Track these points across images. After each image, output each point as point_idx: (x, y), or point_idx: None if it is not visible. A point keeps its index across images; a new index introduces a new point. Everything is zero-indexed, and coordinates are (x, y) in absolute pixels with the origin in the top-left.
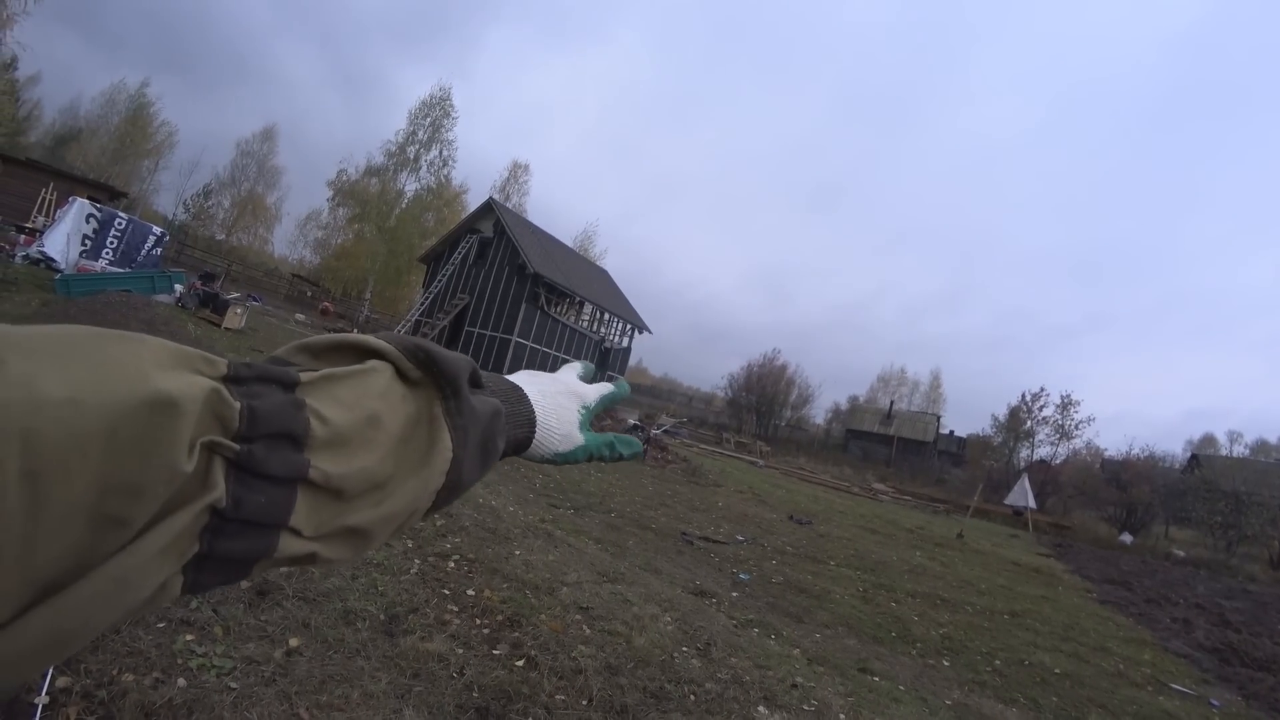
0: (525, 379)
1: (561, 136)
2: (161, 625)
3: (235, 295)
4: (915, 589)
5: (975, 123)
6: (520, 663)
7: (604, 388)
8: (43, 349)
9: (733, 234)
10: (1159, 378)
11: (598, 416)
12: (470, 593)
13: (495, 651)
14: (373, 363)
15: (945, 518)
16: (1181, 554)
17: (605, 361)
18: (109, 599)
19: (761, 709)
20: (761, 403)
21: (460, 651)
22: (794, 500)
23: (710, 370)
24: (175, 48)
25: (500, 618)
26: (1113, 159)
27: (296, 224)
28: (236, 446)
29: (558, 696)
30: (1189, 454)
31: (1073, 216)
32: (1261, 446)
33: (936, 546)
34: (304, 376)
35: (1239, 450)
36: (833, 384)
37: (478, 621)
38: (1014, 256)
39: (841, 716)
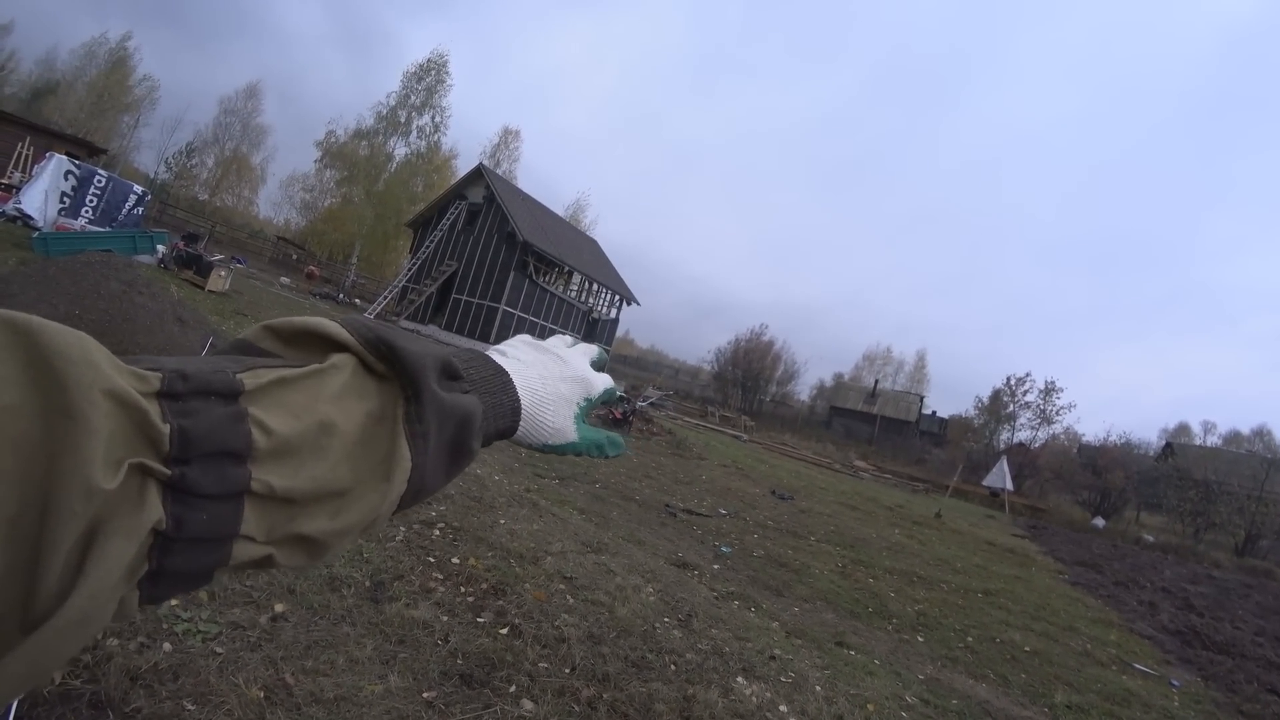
0: (526, 354)
1: (576, 101)
2: None
3: (219, 257)
4: (893, 566)
5: (1004, 109)
6: (504, 630)
7: (607, 379)
8: None
9: (743, 209)
10: (1150, 367)
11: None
12: (455, 561)
13: (480, 619)
14: (334, 359)
15: (924, 497)
16: (1151, 539)
17: (593, 332)
18: (74, 635)
19: (740, 680)
20: (747, 378)
21: (445, 619)
22: (776, 475)
23: (701, 344)
24: None
25: (485, 586)
26: (1141, 152)
27: (281, 184)
28: (168, 470)
29: (541, 665)
30: (1164, 442)
31: (1093, 207)
32: (1234, 437)
33: (915, 525)
34: (249, 383)
35: (1212, 440)
36: (819, 361)
37: (462, 589)
38: (1028, 245)
39: (818, 688)
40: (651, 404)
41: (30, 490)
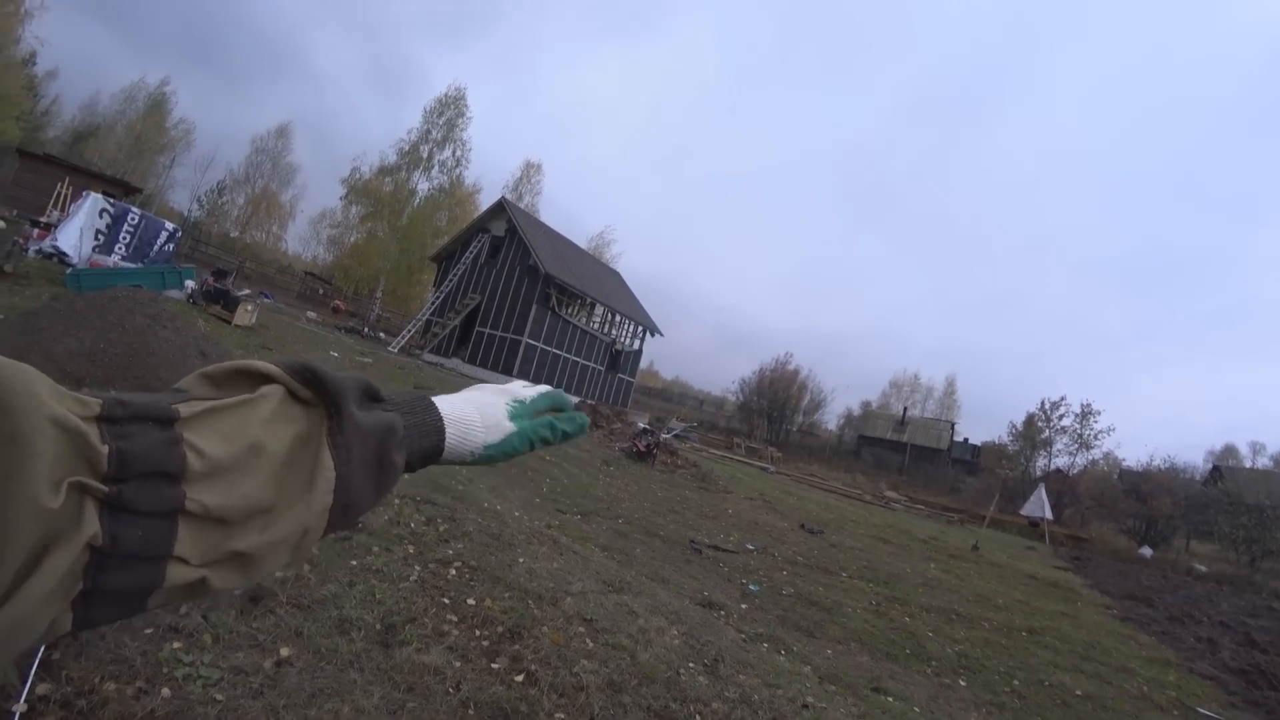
0: (453, 395)
1: (605, 134)
2: (149, 632)
3: (246, 292)
4: (930, 603)
5: (1041, 125)
6: (519, 678)
7: (543, 387)
8: None
9: (772, 238)
10: (1190, 389)
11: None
12: (470, 602)
13: (494, 665)
14: (264, 389)
15: (960, 528)
16: (1203, 569)
17: (615, 363)
18: (3, 643)
19: None
20: (773, 407)
21: (458, 665)
22: (805, 508)
23: (727, 375)
24: (203, 41)
25: (501, 629)
26: (1182, 169)
27: (310, 221)
28: (105, 488)
29: (557, 715)
30: (1210, 465)
31: (1132, 226)
32: None
33: (951, 558)
34: (184, 411)
35: (1262, 462)
36: (846, 390)
37: (477, 633)
38: (1062, 265)
39: None
40: (676, 436)
41: None
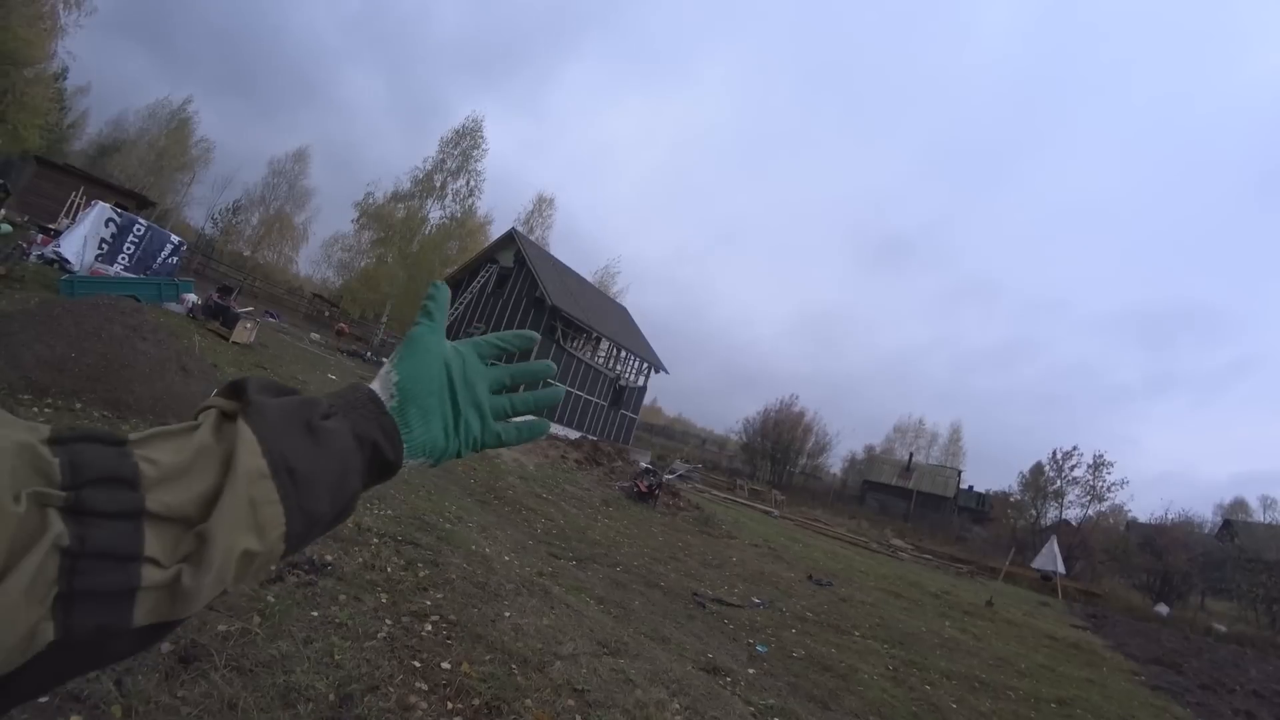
0: None
1: (626, 172)
2: (44, 701)
3: (247, 309)
4: (950, 668)
5: (1062, 181)
6: None
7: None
8: None
9: (785, 281)
10: (1209, 440)
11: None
12: (446, 665)
13: None
14: (200, 416)
15: (970, 580)
16: (1223, 629)
17: (619, 399)
18: None
19: None
20: (777, 449)
21: None
22: (811, 556)
23: (731, 414)
24: (234, 65)
25: (478, 701)
26: (1204, 221)
27: (322, 244)
28: (63, 493)
29: None
30: (1219, 518)
31: (1150, 278)
32: None
33: (966, 615)
34: (132, 436)
35: (1273, 517)
36: (850, 433)
37: (449, 705)
38: (1081, 315)
39: None
40: (680, 477)
41: None
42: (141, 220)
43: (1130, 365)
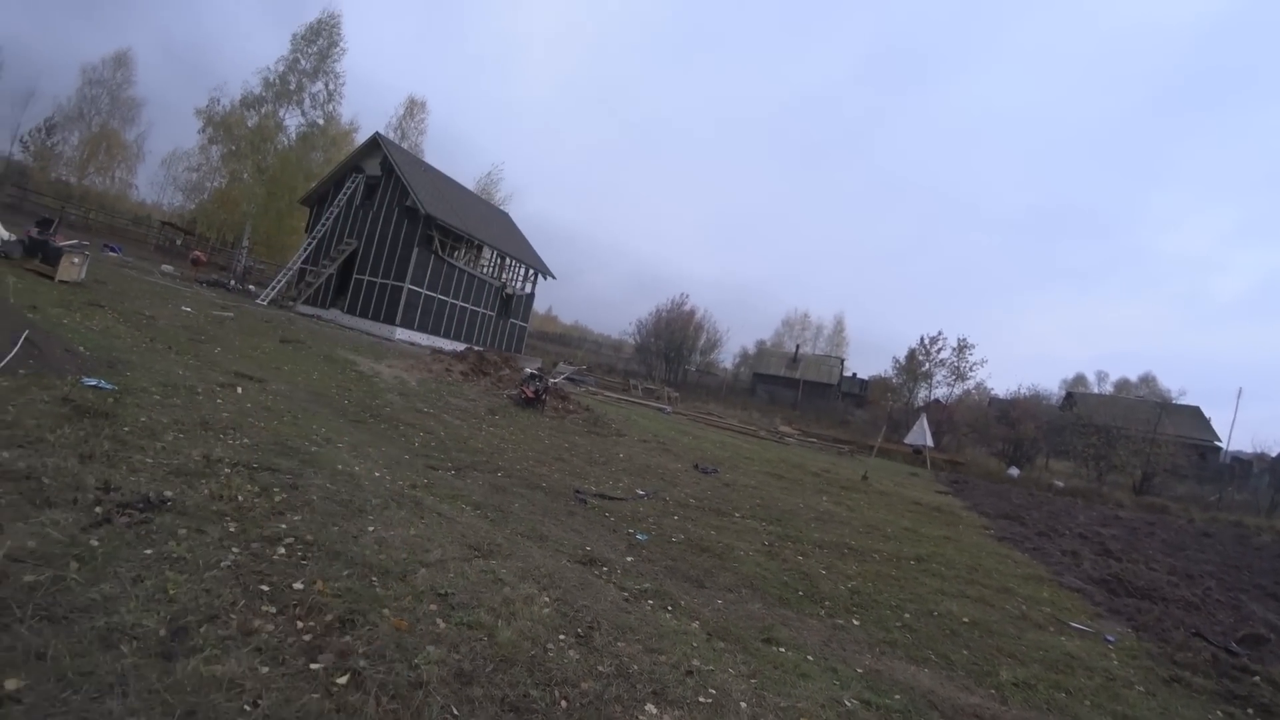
0: None
1: (542, 72)
2: None
3: (72, 243)
4: (822, 538)
5: (993, 88)
6: (343, 679)
7: None
8: None
9: (700, 187)
10: (1078, 326)
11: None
12: (298, 586)
13: (313, 665)
14: None
15: (850, 458)
16: (1061, 484)
17: (507, 308)
18: None
19: (650, 707)
20: (670, 348)
21: (264, 671)
22: (700, 447)
23: (631, 320)
24: None
25: (330, 617)
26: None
27: (163, 163)
28: None
29: None
30: (1064, 392)
31: (1052, 180)
32: (1123, 385)
33: (843, 490)
34: None
35: (1105, 388)
36: (742, 328)
37: (299, 625)
38: (983, 215)
39: (743, 705)
40: (568, 379)
41: None
42: None
43: (1020, 260)
